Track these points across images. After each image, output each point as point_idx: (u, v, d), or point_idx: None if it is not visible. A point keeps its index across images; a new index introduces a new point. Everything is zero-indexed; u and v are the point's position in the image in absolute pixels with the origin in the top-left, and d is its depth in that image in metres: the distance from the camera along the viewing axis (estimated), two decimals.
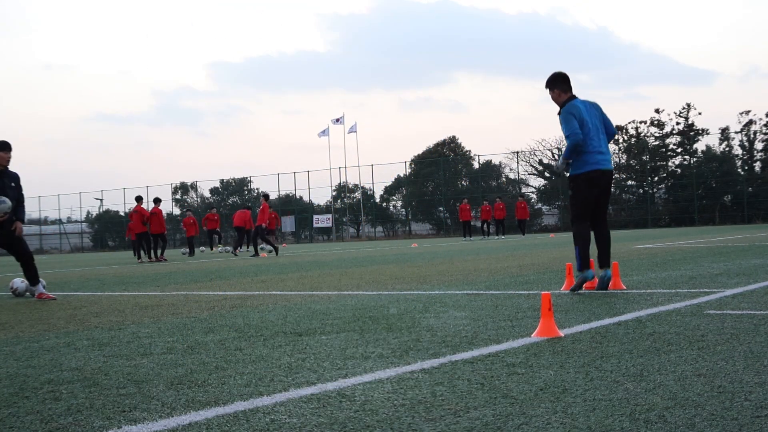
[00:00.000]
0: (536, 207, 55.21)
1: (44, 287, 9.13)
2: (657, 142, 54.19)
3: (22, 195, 9.21)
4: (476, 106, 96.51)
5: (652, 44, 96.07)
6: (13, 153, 9.16)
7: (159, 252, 24.27)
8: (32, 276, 9.14)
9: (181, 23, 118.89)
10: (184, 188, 64.60)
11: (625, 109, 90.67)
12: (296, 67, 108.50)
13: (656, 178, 53.08)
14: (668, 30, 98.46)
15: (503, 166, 58.12)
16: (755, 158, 51.55)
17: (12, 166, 9.19)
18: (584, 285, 6.83)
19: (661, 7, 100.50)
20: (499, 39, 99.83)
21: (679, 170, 52.53)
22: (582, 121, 6.90)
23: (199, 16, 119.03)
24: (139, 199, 24.61)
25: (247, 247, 26.82)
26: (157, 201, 25.15)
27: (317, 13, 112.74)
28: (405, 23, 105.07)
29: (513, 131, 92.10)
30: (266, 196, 23.26)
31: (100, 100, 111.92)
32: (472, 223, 37.51)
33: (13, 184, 9.01)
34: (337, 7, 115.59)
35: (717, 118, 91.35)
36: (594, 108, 7.10)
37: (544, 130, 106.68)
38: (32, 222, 68.98)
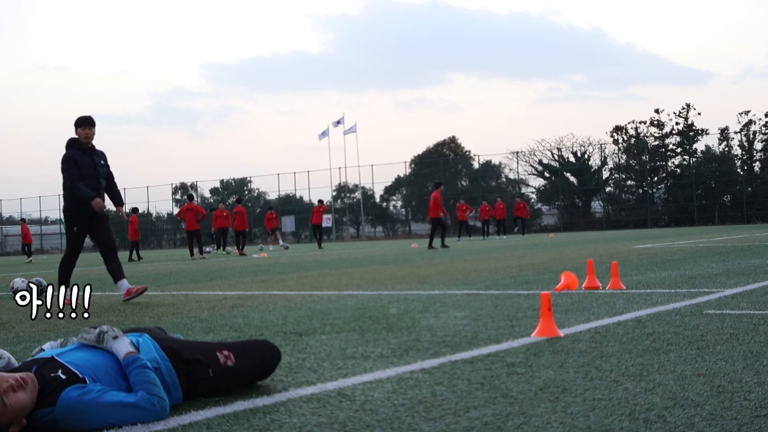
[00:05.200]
0: (536, 207, 55.22)
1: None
2: (656, 142, 54.22)
3: (112, 173, 8.48)
4: (472, 106, 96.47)
5: (647, 45, 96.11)
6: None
7: (240, 247, 26.25)
8: (115, 271, 8.20)
9: (174, 23, 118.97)
10: (184, 188, 64.61)
11: (620, 109, 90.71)
12: (290, 68, 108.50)
13: (656, 178, 53.11)
14: (663, 30, 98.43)
15: (503, 166, 58.17)
16: (754, 158, 51.58)
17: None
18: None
19: (656, 7, 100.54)
20: (493, 39, 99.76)
21: (678, 170, 52.55)
22: None
23: (192, 16, 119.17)
24: (191, 197, 25.61)
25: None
26: (239, 201, 26.60)
27: (307, 14, 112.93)
28: (397, 24, 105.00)
29: (509, 131, 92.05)
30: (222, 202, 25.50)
31: (96, 100, 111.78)
32: (471, 223, 37.54)
33: (102, 162, 8.30)
34: (328, 8, 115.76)
35: (713, 118, 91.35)
36: None
37: (542, 131, 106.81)
38: (33, 222, 69.00)
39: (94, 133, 8.26)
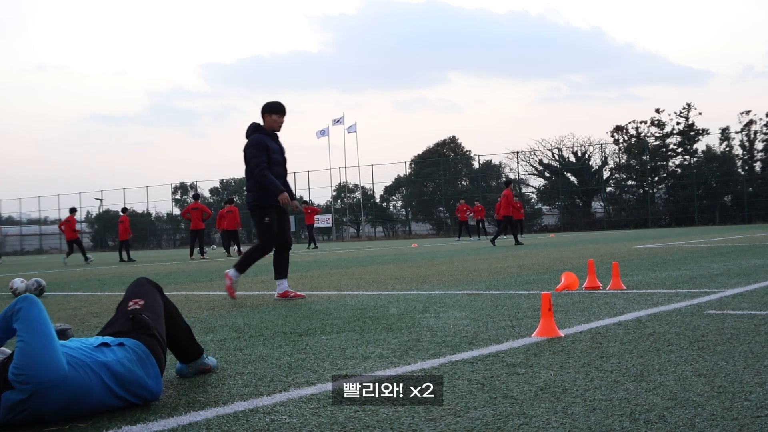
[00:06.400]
0: (536, 207, 55.23)
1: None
2: (657, 142, 54.23)
3: None
4: (471, 106, 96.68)
5: (647, 45, 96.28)
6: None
7: (236, 247, 25.22)
8: (281, 268, 7.63)
9: (172, 24, 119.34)
10: (183, 188, 64.62)
11: (621, 109, 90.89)
12: (289, 68, 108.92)
13: (656, 178, 53.11)
14: (663, 30, 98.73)
15: (503, 166, 58.19)
16: (755, 158, 51.58)
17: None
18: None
19: (655, 7, 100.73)
20: (492, 39, 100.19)
21: (679, 170, 52.56)
22: None
23: (190, 17, 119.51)
24: (196, 196, 25.24)
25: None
26: (230, 201, 26.21)
27: (306, 15, 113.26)
28: (395, 24, 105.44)
29: (509, 131, 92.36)
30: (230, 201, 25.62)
31: (95, 100, 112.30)
32: (471, 224, 37.53)
33: (284, 150, 7.89)
34: (327, 8, 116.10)
35: (714, 118, 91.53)
36: None
37: (542, 131, 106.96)
38: (32, 222, 68.99)
39: (283, 122, 7.72)
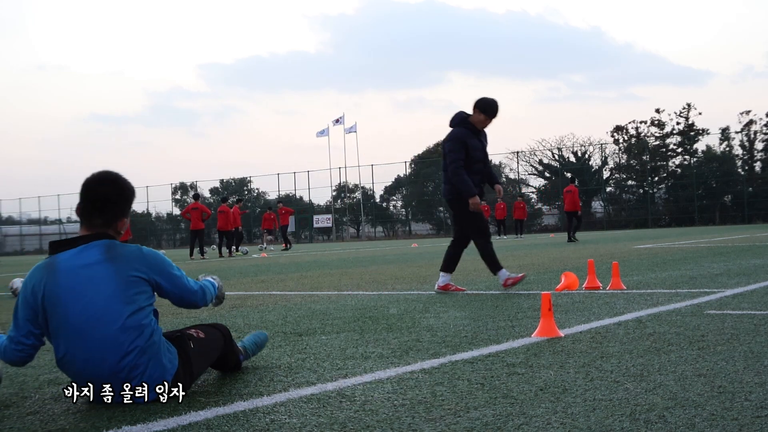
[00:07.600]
0: (536, 207, 55.22)
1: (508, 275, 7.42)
2: (657, 142, 54.23)
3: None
4: (470, 106, 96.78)
5: (647, 44, 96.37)
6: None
7: (234, 247, 25.17)
8: (491, 262, 7.46)
9: (171, 24, 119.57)
10: (183, 188, 64.63)
11: (620, 109, 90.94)
12: (289, 68, 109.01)
13: (656, 178, 53.12)
14: (662, 30, 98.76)
15: (503, 166, 58.20)
16: (755, 158, 51.59)
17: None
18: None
19: (655, 7, 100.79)
20: (491, 39, 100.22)
21: (679, 170, 52.57)
22: None
23: (189, 17, 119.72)
24: (196, 196, 24.87)
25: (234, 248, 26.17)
26: (224, 200, 26.04)
27: (305, 15, 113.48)
28: (394, 24, 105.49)
29: (509, 131, 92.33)
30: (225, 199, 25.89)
31: (94, 100, 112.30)
32: None
33: (486, 142, 7.65)
34: (325, 8, 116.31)
35: (714, 118, 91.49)
36: None
37: (542, 131, 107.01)
38: (32, 222, 68.97)
39: (488, 124, 7.50)
